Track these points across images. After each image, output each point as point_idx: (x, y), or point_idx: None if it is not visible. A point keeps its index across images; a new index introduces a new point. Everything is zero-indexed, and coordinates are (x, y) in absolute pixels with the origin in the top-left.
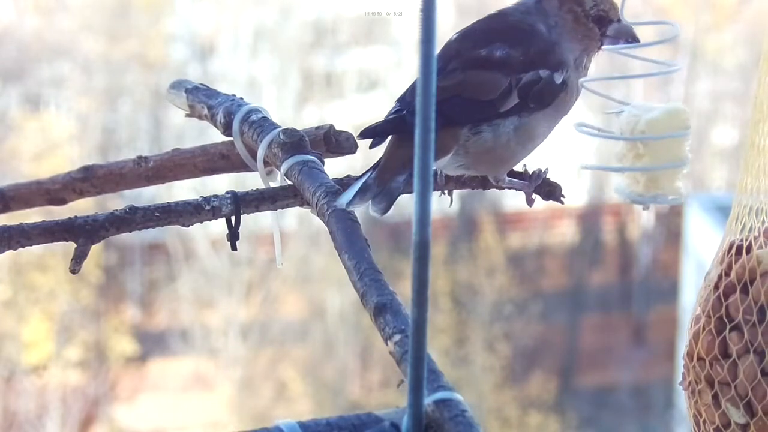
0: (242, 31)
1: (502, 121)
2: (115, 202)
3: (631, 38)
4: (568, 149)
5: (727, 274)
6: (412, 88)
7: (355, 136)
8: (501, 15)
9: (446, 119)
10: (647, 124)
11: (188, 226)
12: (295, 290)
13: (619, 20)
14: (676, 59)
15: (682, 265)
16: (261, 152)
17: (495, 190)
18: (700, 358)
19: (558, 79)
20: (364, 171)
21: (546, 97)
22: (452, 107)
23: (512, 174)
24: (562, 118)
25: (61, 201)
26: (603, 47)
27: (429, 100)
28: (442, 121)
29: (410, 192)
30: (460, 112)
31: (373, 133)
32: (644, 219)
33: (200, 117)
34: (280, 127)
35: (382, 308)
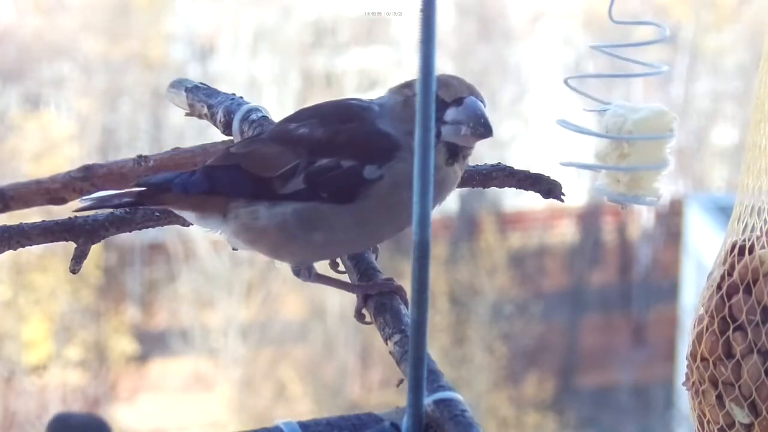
0: (242, 31)
1: (279, 203)
2: None
3: (473, 123)
4: (567, 149)
5: (730, 275)
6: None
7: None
8: (354, 98)
9: (211, 186)
10: (634, 124)
11: (188, 226)
12: (295, 290)
13: (461, 101)
14: (676, 59)
15: (682, 265)
16: None
17: (496, 189)
18: (703, 359)
19: (371, 173)
20: None
21: (343, 191)
22: (222, 175)
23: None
24: (391, 216)
25: (61, 201)
26: (443, 137)
27: (429, 99)
28: (206, 187)
29: None
30: (229, 182)
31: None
32: (644, 219)
33: (200, 116)
34: None
35: (382, 308)
